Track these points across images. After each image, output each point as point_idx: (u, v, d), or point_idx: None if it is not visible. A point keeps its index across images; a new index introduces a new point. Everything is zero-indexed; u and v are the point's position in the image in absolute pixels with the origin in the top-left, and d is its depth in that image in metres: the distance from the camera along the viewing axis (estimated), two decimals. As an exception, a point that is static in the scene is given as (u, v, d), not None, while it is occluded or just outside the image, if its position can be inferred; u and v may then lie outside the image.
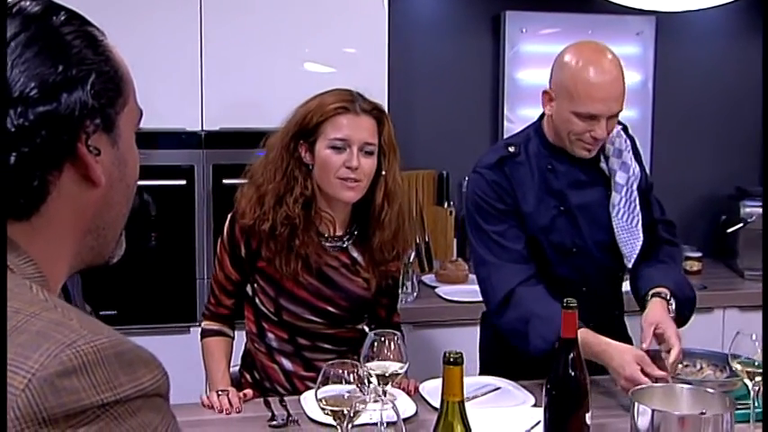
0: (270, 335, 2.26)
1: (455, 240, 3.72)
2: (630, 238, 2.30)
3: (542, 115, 2.35)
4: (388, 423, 1.60)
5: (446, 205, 3.72)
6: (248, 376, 2.33)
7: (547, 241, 2.29)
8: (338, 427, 1.63)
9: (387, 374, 1.84)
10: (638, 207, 2.31)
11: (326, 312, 2.23)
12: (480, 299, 3.22)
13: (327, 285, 2.22)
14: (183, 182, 3.06)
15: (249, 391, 2.16)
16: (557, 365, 1.71)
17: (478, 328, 3.23)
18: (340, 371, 1.64)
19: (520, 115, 3.81)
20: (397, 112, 3.35)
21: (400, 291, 3.22)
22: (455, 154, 3.77)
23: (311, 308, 2.21)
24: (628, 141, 2.37)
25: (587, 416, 1.70)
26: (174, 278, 3.12)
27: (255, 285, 2.24)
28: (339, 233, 2.25)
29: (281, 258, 2.16)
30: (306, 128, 2.17)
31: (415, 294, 3.28)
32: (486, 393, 2.16)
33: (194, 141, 3.07)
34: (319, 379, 1.67)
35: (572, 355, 1.70)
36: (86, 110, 0.87)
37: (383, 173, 2.20)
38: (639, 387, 1.85)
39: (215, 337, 2.31)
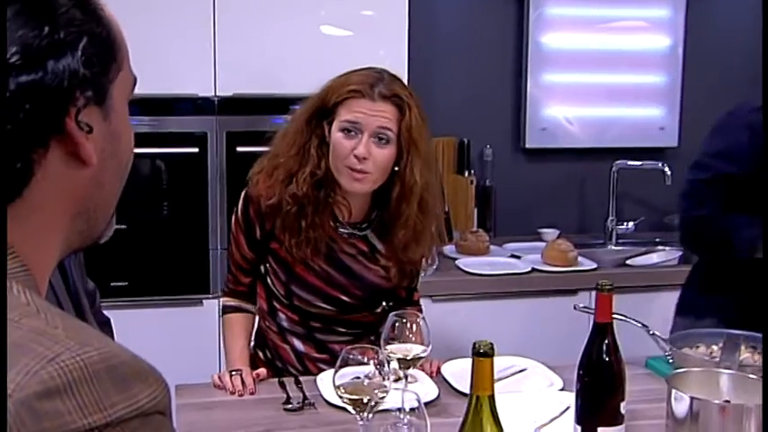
0: (281, 315, 2.16)
1: (476, 210, 3.61)
2: None
3: None
4: (410, 409, 1.51)
5: (467, 174, 3.60)
6: (261, 354, 2.24)
7: None
8: (357, 415, 1.53)
9: (409, 358, 1.75)
10: None
11: (338, 300, 2.11)
12: (502, 271, 3.16)
13: (342, 272, 2.10)
14: (196, 150, 2.95)
15: (263, 371, 2.06)
16: (589, 350, 1.61)
17: (499, 303, 3.16)
18: (359, 356, 1.55)
19: (545, 81, 3.68)
20: (417, 78, 3.22)
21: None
22: (476, 121, 3.66)
23: (323, 295, 2.10)
24: None
25: (622, 405, 1.60)
26: (187, 249, 3.02)
27: (268, 266, 2.14)
28: (356, 219, 2.11)
29: (290, 239, 2.04)
30: (326, 106, 2.02)
31: (434, 267, 3.18)
32: (510, 375, 2.07)
33: (207, 107, 2.96)
34: (337, 363, 1.57)
35: (607, 339, 1.59)
36: (77, 79, 0.76)
37: (396, 168, 2.01)
38: (675, 372, 1.74)
39: (234, 314, 2.20)
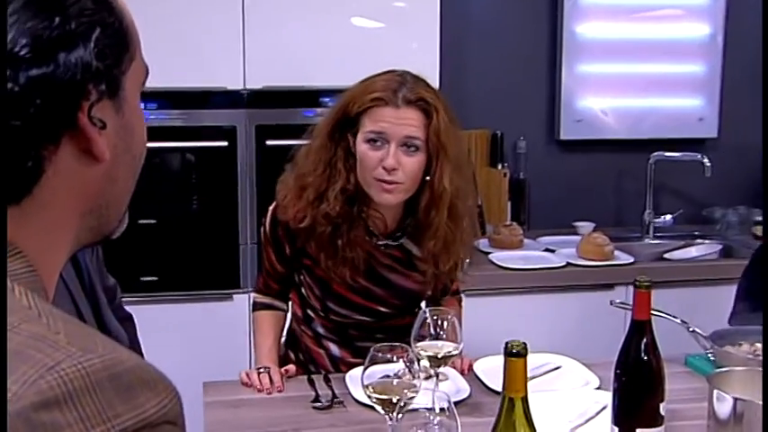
0: (316, 322, 2.11)
1: (509, 204, 3.55)
2: None
3: None
4: (440, 409, 1.46)
5: (500, 167, 3.54)
6: (292, 356, 2.19)
7: None
8: (386, 415, 1.49)
9: (440, 356, 1.70)
10: None
11: (376, 312, 2.06)
12: (536, 266, 3.10)
13: (380, 285, 2.03)
14: (226, 143, 2.92)
15: (292, 367, 2.03)
16: (627, 348, 1.55)
17: (533, 298, 3.09)
18: (388, 355, 1.50)
19: (579, 72, 3.61)
20: (449, 70, 3.18)
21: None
22: (509, 113, 3.59)
23: (360, 309, 2.05)
24: None
25: (662, 405, 1.54)
26: (217, 243, 3.00)
27: (302, 278, 2.07)
28: (391, 229, 2.03)
29: (327, 259, 1.96)
30: (348, 116, 1.93)
31: (467, 261, 3.12)
32: (544, 373, 2.01)
33: (237, 100, 2.92)
34: (366, 362, 1.53)
35: (645, 338, 1.54)
36: (90, 73, 0.72)
37: (427, 178, 1.92)
38: (717, 371, 1.68)
39: (264, 311, 2.16)
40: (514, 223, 3.42)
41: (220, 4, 2.88)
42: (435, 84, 2.93)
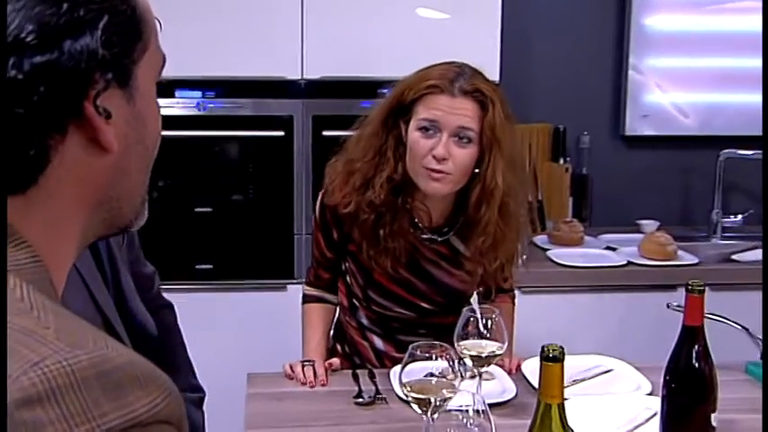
0: (361, 313, 2.10)
1: (571, 199, 3.47)
2: None
3: None
4: (474, 411, 1.42)
5: (562, 162, 3.46)
6: (339, 348, 2.19)
7: None
8: (423, 415, 1.46)
9: (483, 355, 1.66)
10: None
11: (418, 307, 2.03)
12: (595, 264, 3.03)
13: (423, 280, 2.01)
14: (282, 133, 2.92)
15: (336, 361, 2.01)
16: (677, 354, 1.49)
17: (591, 297, 3.02)
18: (427, 353, 1.47)
19: (648, 66, 3.50)
20: (511, 61, 3.12)
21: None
22: (573, 107, 3.51)
23: (402, 302, 2.03)
24: None
25: (713, 416, 1.48)
26: (272, 233, 3.00)
27: (348, 265, 2.08)
28: (438, 224, 2.01)
29: (369, 248, 1.95)
30: (403, 103, 1.90)
31: (524, 257, 3.06)
32: (595, 376, 1.95)
33: (294, 90, 2.91)
34: (404, 359, 1.50)
35: (697, 345, 1.47)
36: (95, 61, 0.70)
37: (477, 171, 1.89)
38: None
39: (314, 304, 2.15)
40: (575, 220, 3.34)
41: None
42: (495, 76, 2.91)
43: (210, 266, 2.98)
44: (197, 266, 2.97)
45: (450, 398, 1.42)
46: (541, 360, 1.14)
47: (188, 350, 1.82)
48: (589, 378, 1.94)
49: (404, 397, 1.69)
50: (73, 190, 0.74)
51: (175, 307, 1.84)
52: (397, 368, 1.85)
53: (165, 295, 2.87)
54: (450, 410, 1.39)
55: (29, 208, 0.71)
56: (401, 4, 2.93)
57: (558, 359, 1.14)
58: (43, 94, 0.68)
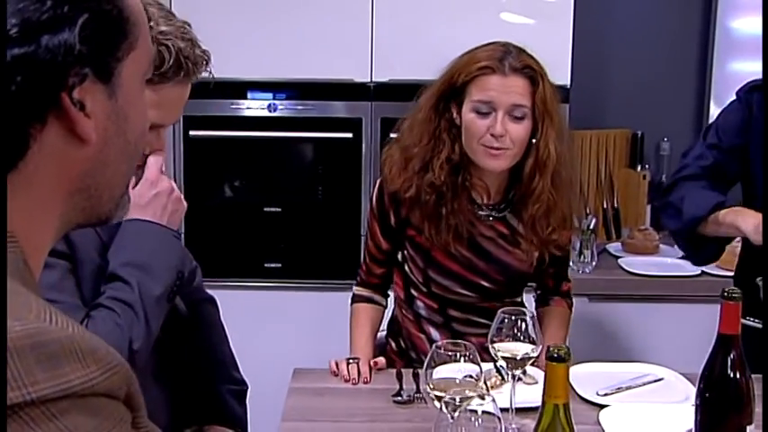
0: (419, 303, 2.13)
1: (648, 207, 3.38)
2: None
3: None
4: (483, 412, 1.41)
5: (639, 168, 3.38)
6: (393, 344, 2.21)
7: None
8: (440, 411, 1.45)
9: (517, 358, 1.64)
10: None
11: (479, 286, 2.06)
12: (667, 273, 2.95)
13: (481, 258, 2.05)
14: (350, 135, 2.95)
15: (382, 360, 2.02)
16: (712, 364, 1.44)
17: (662, 306, 2.94)
18: (450, 352, 1.47)
19: (733, 70, 3.38)
20: (586, 66, 3.08)
21: (578, 259, 2.98)
22: (652, 112, 3.42)
23: (462, 281, 2.05)
24: None
25: (749, 428, 1.42)
26: (339, 234, 3.03)
27: (405, 253, 2.12)
28: (495, 201, 2.06)
29: (431, 228, 2.00)
30: (454, 86, 1.98)
31: (593, 264, 3.01)
32: (644, 384, 1.91)
33: (363, 93, 2.94)
34: (427, 360, 1.50)
35: (732, 354, 1.42)
36: (72, 55, 0.73)
37: (533, 141, 1.96)
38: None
39: (363, 304, 2.19)
40: (650, 228, 3.26)
41: (350, 1, 2.91)
42: (566, 80, 2.88)
43: (279, 265, 3.04)
44: (266, 265, 3.03)
45: (471, 398, 1.41)
46: (546, 360, 1.13)
47: (231, 344, 1.86)
48: (637, 386, 1.89)
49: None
50: (52, 178, 0.77)
51: (220, 295, 1.88)
52: (440, 368, 1.87)
53: (235, 292, 2.96)
54: (466, 410, 1.38)
55: (9, 193, 0.75)
56: (463, 7, 2.92)
57: (564, 359, 1.12)
58: (20, 83, 0.71)
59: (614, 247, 3.24)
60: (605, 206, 3.36)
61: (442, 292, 2.08)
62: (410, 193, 2.00)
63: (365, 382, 1.93)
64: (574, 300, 2.96)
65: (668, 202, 2.26)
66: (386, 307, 2.21)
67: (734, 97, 2.30)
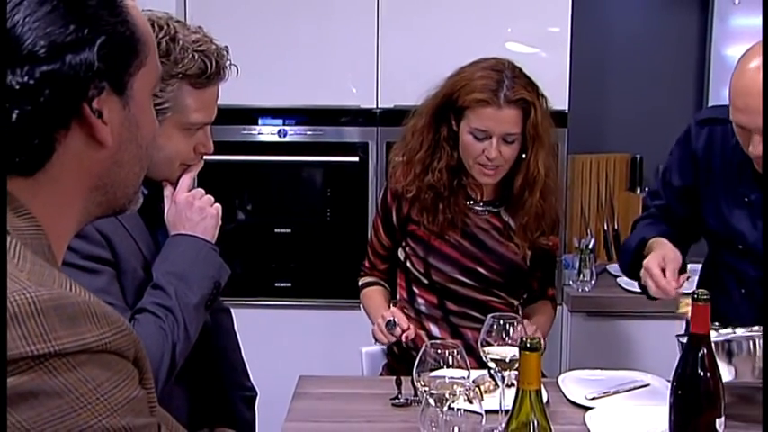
0: (420, 299, 2.28)
1: (648, 229, 3.47)
2: None
3: None
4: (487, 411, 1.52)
5: (639, 191, 3.49)
6: (396, 349, 2.33)
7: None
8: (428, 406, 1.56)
9: (506, 360, 1.74)
10: None
11: (476, 273, 2.23)
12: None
13: (477, 246, 2.23)
14: (357, 159, 3.08)
15: (412, 331, 2.12)
16: (684, 363, 1.54)
17: (659, 324, 3.01)
18: (439, 351, 1.57)
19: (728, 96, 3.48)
20: (588, 91, 3.19)
21: (578, 278, 3.08)
22: (651, 137, 3.51)
23: (460, 267, 2.22)
24: None
25: (718, 422, 1.52)
26: (347, 254, 3.14)
27: (407, 249, 2.30)
28: (489, 198, 2.26)
29: (428, 217, 2.20)
30: (453, 104, 2.17)
31: (592, 283, 3.11)
32: (631, 389, 2.00)
33: (369, 118, 3.08)
34: (417, 360, 1.61)
35: (702, 352, 1.52)
36: (91, 71, 0.86)
37: (524, 156, 2.17)
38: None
39: (373, 287, 2.40)
40: (650, 248, 3.35)
41: (356, 29, 3.04)
42: (564, 105, 2.99)
43: (289, 284, 3.15)
44: (276, 284, 3.15)
45: (457, 397, 1.51)
46: (520, 350, 1.24)
47: (243, 353, 1.96)
48: (623, 391, 1.98)
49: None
50: (74, 176, 0.90)
51: (233, 312, 1.99)
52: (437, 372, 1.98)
53: (247, 310, 3.06)
54: (453, 408, 1.49)
55: (36, 188, 0.87)
56: (492, 38, 3.03)
57: (536, 348, 1.23)
58: (48, 95, 0.84)
59: (614, 267, 3.31)
60: (606, 228, 3.46)
61: (442, 280, 2.23)
62: (411, 194, 2.22)
63: (407, 339, 2.09)
64: (572, 317, 3.07)
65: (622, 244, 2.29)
66: (392, 292, 2.38)
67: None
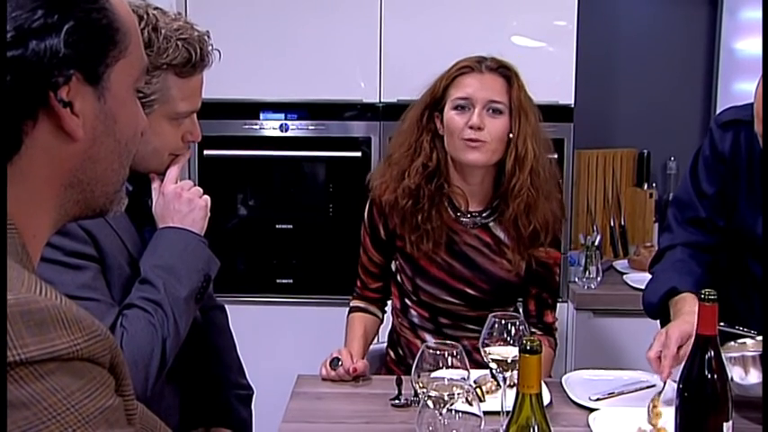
0: (412, 311, 2.21)
1: (656, 225, 3.43)
2: None
3: None
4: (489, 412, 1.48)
5: (646, 187, 3.44)
6: (392, 354, 2.29)
7: None
8: (427, 408, 1.52)
9: (508, 360, 1.70)
10: None
11: (465, 294, 2.14)
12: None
13: (466, 266, 2.13)
14: (360, 154, 3.04)
15: (361, 365, 2.03)
16: (691, 364, 1.49)
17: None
18: (437, 352, 1.53)
19: (737, 90, 3.43)
20: (594, 86, 3.15)
21: (583, 275, 3.03)
22: (658, 132, 3.49)
23: (448, 289, 2.14)
24: None
25: (726, 425, 1.47)
26: (350, 250, 3.09)
27: (398, 263, 2.22)
28: (477, 208, 2.15)
29: (411, 235, 2.10)
30: (436, 96, 2.12)
31: (598, 280, 3.06)
32: (635, 390, 1.96)
33: (372, 113, 3.03)
34: (415, 360, 1.57)
35: (709, 354, 1.47)
36: (56, 58, 0.82)
37: (511, 135, 2.08)
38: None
39: (358, 313, 2.28)
40: (656, 245, 3.30)
41: (360, 23, 3.00)
42: (570, 99, 2.95)
43: (290, 281, 3.12)
44: (278, 280, 3.11)
45: (457, 397, 1.47)
46: (520, 352, 1.19)
47: (238, 350, 1.93)
48: (628, 392, 1.94)
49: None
50: (45, 170, 0.85)
51: (233, 309, 1.96)
52: (436, 373, 1.93)
53: (247, 307, 3.03)
54: (451, 410, 1.45)
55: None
56: (470, 29, 3.00)
57: (536, 351, 1.18)
58: (10, 83, 0.80)
59: (621, 264, 3.29)
60: (612, 224, 3.42)
61: (430, 300, 2.16)
62: (387, 197, 2.12)
63: (354, 371, 1.98)
64: (578, 314, 3.03)
65: (652, 273, 2.17)
66: (382, 319, 2.30)
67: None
